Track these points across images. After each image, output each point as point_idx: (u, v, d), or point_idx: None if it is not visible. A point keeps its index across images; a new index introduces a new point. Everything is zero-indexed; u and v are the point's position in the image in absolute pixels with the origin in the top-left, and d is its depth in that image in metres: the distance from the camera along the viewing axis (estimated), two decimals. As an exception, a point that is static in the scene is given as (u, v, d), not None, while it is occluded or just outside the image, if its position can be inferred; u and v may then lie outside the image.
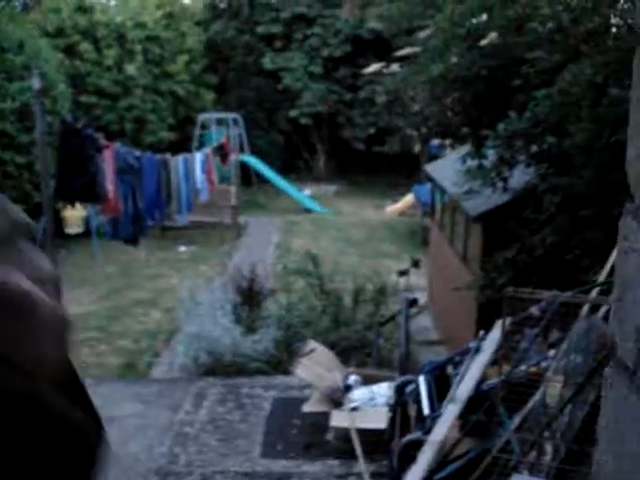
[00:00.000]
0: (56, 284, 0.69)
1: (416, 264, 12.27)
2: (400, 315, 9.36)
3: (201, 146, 19.00)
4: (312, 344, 7.78)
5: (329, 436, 6.89)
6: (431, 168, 13.17)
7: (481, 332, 5.97)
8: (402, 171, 24.44)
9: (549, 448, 4.63)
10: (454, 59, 7.80)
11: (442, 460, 5.23)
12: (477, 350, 5.81)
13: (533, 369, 5.21)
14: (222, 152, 18.03)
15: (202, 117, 22.90)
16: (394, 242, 18.09)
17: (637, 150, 1.29)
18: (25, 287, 0.65)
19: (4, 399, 0.61)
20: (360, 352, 9.66)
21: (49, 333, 0.68)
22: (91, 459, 0.69)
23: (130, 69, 21.39)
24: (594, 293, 5.01)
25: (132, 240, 10.44)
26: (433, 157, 17.49)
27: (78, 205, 15.33)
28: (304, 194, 23.41)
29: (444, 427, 5.23)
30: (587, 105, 5.86)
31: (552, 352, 5.25)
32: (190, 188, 13.48)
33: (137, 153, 10.79)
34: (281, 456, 6.90)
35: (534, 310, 5.36)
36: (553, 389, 4.82)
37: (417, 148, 23.81)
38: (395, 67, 11.21)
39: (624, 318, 1.43)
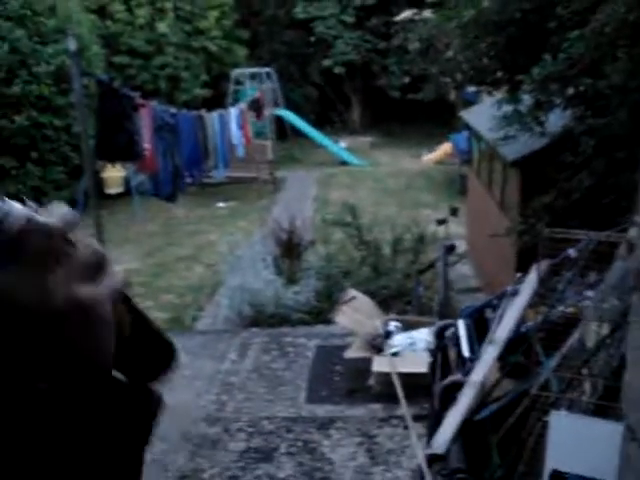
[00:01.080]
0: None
1: (454, 212, 12.26)
2: (439, 262, 9.42)
3: (235, 102, 19.00)
4: (352, 292, 7.91)
5: (371, 381, 7.05)
6: (467, 114, 13.07)
7: (518, 275, 6.03)
8: (438, 120, 24.20)
9: (587, 386, 4.72)
10: (486, 3, 7.71)
11: (482, 401, 5.35)
12: (515, 293, 5.89)
13: (570, 310, 5.28)
14: (256, 107, 18.07)
15: (235, 73, 22.87)
16: (432, 191, 18.05)
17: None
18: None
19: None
20: (400, 301, 9.78)
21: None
22: (149, 428, 0.74)
23: (162, 27, 21.38)
24: (631, 233, 5.02)
25: (171, 197, 10.61)
26: (469, 104, 17.29)
27: (118, 165, 15.57)
28: (340, 146, 23.36)
29: (484, 368, 5.34)
30: (623, 44, 5.80)
31: (589, 293, 5.30)
32: (226, 144, 13.58)
33: (173, 110, 10.89)
34: (325, 401, 7.10)
35: (571, 252, 5.40)
36: (591, 329, 4.88)
37: (452, 96, 23.54)
38: (427, 13, 11.08)
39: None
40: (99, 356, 0.67)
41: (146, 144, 9.54)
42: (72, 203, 17.18)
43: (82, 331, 0.65)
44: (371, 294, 8.93)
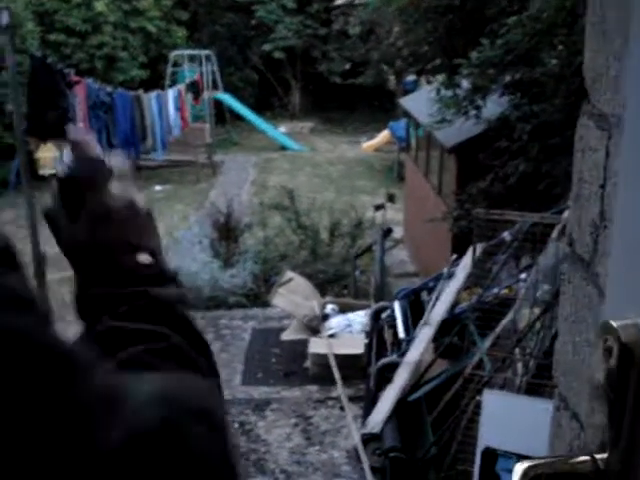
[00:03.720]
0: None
1: (392, 198, 12.32)
2: (376, 246, 9.48)
3: (173, 84, 18.70)
4: (289, 274, 7.89)
5: (307, 363, 7.06)
6: (406, 102, 13.15)
7: (453, 256, 6.10)
8: (378, 107, 24.31)
9: (519, 366, 4.81)
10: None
11: (417, 381, 5.41)
12: (450, 275, 5.96)
13: (504, 292, 5.36)
14: (195, 89, 17.82)
15: (174, 54, 22.50)
16: (370, 178, 18.13)
17: (591, 53, 1.36)
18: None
19: None
20: (337, 285, 9.81)
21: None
22: None
23: (99, 5, 20.87)
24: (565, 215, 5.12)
25: (107, 178, 10.38)
26: (408, 93, 17.42)
27: (51, 145, 15.16)
28: (279, 131, 23.27)
29: (418, 349, 5.40)
30: (559, 32, 5.90)
31: (523, 275, 5.40)
32: (164, 125, 13.37)
33: (109, 89, 10.65)
34: (261, 383, 7.08)
35: (505, 235, 5.48)
36: (524, 310, 4.97)
37: (392, 84, 23.69)
38: (368, -2, 11.10)
39: (582, 213, 1.51)
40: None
41: (80, 122, 9.31)
42: (3, 184, 16.72)
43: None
44: (308, 278, 8.93)
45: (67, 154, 0.85)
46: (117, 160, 0.83)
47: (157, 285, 0.79)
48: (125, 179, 0.82)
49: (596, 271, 1.30)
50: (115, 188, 0.80)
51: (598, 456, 0.79)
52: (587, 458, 0.81)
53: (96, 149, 0.85)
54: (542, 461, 0.86)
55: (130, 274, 0.78)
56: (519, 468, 0.78)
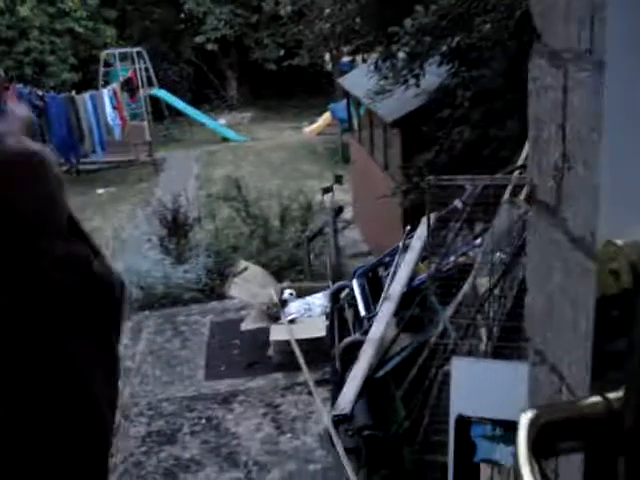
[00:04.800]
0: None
1: (339, 180, 12.27)
2: (328, 227, 9.41)
3: (107, 84, 18.33)
4: (243, 263, 7.77)
5: (270, 351, 6.97)
6: (345, 81, 13.08)
7: (407, 228, 6.06)
8: (316, 91, 24.22)
9: (483, 331, 4.78)
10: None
11: (382, 357, 5.36)
12: (405, 248, 5.91)
13: (461, 259, 5.34)
14: (130, 87, 17.48)
15: (104, 53, 22.04)
16: (315, 162, 18.04)
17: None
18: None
19: None
20: (292, 270, 9.72)
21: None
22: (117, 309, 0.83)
23: (23, 10, 20.34)
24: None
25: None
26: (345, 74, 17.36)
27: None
28: (219, 123, 23.02)
29: (381, 325, 5.34)
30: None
31: (478, 241, 5.38)
32: (102, 125, 13.07)
33: (40, 92, 10.37)
34: (225, 376, 6.97)
35: (457, 203, 5.45)
36: (482, 276, 4.95)
37: (329, 66, 23.60)
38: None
39: (541, 157, 1.43)
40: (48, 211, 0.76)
41: (13, 129, 9.03)
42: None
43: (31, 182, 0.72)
44: (263, 266, 8.83)
45: None
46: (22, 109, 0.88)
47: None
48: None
49: (563, 215, 1.22)
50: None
51: (611, 395, 0.71)
52: (598, 399, 0.72)
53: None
54: (547, 409, 0.77)
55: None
56: (524, 418, 0.69)
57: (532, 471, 0.61)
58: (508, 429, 3.27)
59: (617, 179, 0.84)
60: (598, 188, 0.89)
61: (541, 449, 0.65)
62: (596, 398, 0.73)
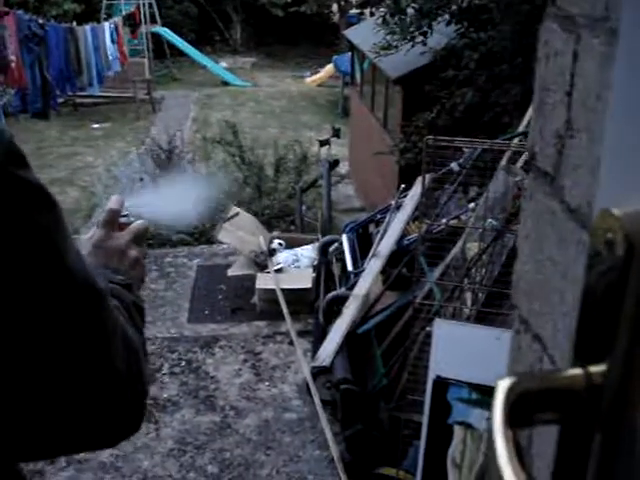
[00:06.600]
0: None
1: (337, 133, 12.16)
2: (322, 180, 9.36)
3: (109, 18, 18.01)
4: (234, 209, 7.73)
5: (255, 299, 6.97)
6: (350, 33, 12.89)
7: (401, 186, 6.03)
8: (321, 42, 23.91)
9: (469, 295, 4.79)
10: None
11: (366, 314, 5.37)
12: (398, 207, 5.89)
13: (453, 222, 5.32)
14: (132, 22, 17.18)
15: (109, -14, 21.63)
16: (315, 113, 17.89)
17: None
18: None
19: None
20: (283, 221, 9.69)
21: None
22: None
23: None
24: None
25: (42, 114, 10.00)
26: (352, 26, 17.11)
27: None
28: (221, 66, 22.72)
29: (367, 281, 5.35)
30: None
31: (471, 205, 5.36)
32: (101, 59, 12.88)
33: (41, 21, 10.17)
34: (208, 320, 6.98)
35: (454, 165, 5.41)
36: (472, 241, 4.94)
37: (336, 17, 23.26)
38: None
39: (544, 124, 1.41)
40: None
41: (12, 56, 8.88)
42: None
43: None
44: (254, 214, 8.79)
45: None
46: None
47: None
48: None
49: (561, 184, 1.20)
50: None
51: (593, 368, 0.69)
52: (579, 372, 0.70)
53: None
54: (526, 377, 0.76)
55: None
56: (502, 385, 0.67)
57: (506, 439, 0.59)
58: (484, 394, 3.29)
59: (619, 151, 0.82)
60: (599, 158, 0.87)
61: (516, 418, 0.63)
62: (577, 370, 0.71)
